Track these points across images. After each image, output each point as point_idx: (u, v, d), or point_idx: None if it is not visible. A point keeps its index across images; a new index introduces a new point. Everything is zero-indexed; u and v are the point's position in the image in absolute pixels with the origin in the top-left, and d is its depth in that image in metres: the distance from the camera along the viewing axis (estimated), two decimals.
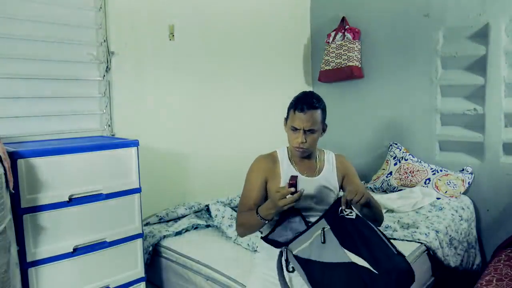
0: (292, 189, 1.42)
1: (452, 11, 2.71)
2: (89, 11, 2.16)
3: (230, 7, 2.82)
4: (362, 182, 3.07)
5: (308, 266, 1.45)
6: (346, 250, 1.44)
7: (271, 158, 1.74)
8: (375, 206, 1.62)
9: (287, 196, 1.43)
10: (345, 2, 3.20)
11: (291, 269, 1.54)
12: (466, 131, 2.74)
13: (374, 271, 1.38)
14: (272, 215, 1.51)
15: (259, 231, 1.72)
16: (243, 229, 1.66)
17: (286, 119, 1.70)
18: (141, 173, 1.90)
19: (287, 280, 1.52)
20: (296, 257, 1.49)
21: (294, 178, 1.45)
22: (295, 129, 1.63)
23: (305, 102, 1.60)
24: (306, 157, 1.71)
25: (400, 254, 1.55)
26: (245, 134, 2.96)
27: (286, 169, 1.71)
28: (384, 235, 1.56)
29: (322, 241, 1.48)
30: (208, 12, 2.69)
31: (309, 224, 1.64)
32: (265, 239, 1.60)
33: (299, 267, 1.48)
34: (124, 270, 1.86)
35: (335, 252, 1.45)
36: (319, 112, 1.63)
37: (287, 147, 1.78)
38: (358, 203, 1.46)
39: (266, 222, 1.54)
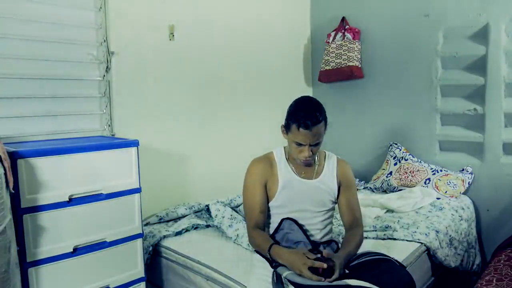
0: (324, 265, 1.39)
1: (452, 11, 2.70)
2: (89, 11, 2.16)
3: (230, 7, 2.82)
4: (362, 182, 3.10)
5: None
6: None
7: (267, 160, 1.72)
8: (354, 251, 1.59)
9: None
10: (345, 2, 3.20)
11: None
12: (466, 131, 2.74)
13: None
14: (280, 262, 1.49)
15: None
16: (256, 248, 1.66)
17: (286, 128, 1.62)
18: (141, 173, 1.89)
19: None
20: (287, 279, 1.47)
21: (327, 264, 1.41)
22: (300, 145, 1.58)
23: (309, 118, 1.53)
24: None
25: (401, 265, 1.55)
26: (245, 134, 2.96)
27: (284, 171, 1.69)
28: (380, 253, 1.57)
29: None
30: (208, 12, 2.68)
31: (305, 230, 1.64)
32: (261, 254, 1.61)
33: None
34: (124, 270, 1.86)
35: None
36: (322, 123, 1.58)
37: (284, 147, 1.76)
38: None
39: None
